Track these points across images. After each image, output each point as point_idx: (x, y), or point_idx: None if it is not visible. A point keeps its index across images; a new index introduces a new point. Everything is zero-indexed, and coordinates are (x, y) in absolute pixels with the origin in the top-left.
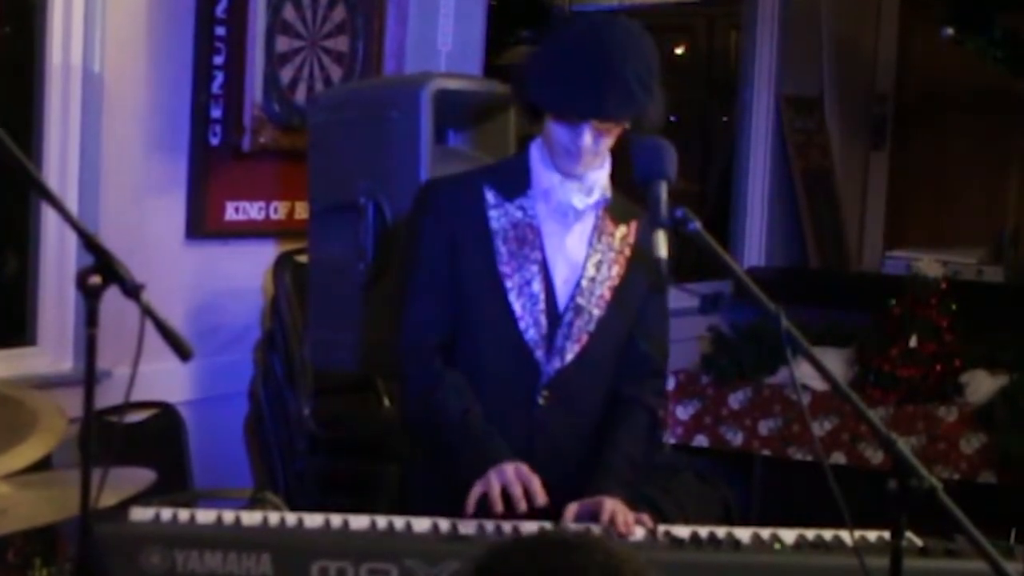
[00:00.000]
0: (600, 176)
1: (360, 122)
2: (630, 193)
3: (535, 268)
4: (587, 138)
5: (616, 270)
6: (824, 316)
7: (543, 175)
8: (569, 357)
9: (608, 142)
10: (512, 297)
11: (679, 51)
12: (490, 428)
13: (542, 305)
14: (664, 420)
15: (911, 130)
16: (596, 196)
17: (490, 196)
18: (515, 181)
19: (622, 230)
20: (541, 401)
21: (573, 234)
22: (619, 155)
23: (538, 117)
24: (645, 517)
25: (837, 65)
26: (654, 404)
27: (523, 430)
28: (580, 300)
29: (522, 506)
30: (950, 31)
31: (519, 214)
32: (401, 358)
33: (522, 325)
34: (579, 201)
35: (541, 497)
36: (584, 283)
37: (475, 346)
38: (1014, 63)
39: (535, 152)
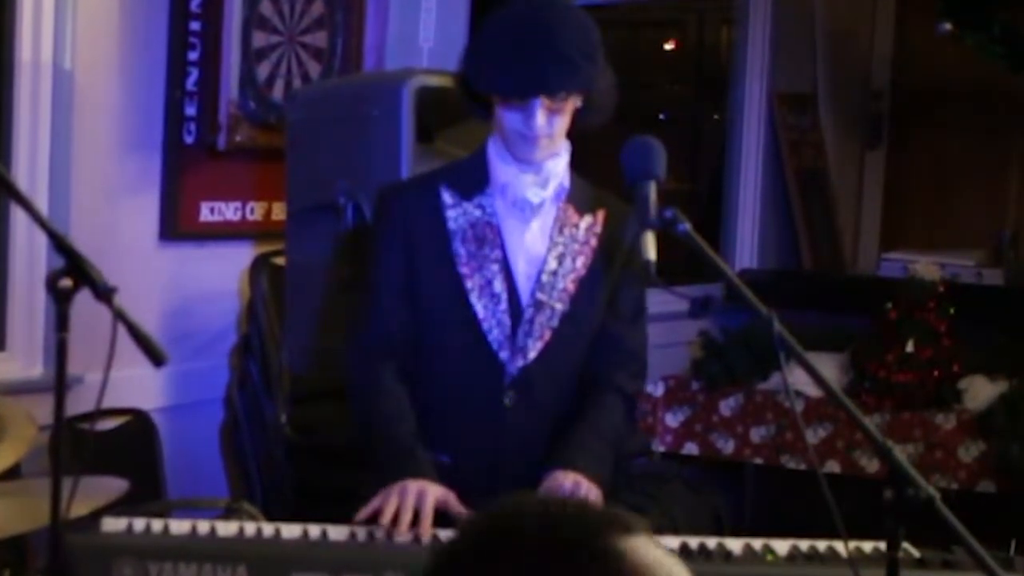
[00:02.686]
0: (557, 165)
1: (339, 120)
2: (619, 194)
3: (496, 267)
4: (539, 118)
5: (581, 261)
6: (818, 320)
7: (500, 169)
8: (532, 355)
9: (562, 122)
10: (473, 299)
11: (669, 47)
12: (416, 442)
13: (504, 305)
14: (646, 425)
15: (908, 128)
16: (552, 188)
17: (447, 196)
18: (473, 179)
19: (587, 220)
20: (507, 402)
21: (532, 229)
22: (584, 146)
23: (488, 110)
24: (595, 491)
25: (832, 61)
26: (628, 385)
27: (490, 432)
28: (541, 295)
29: (402, 527)
30: (948, 26)
31: (477, 212)
32: (349, 362)
33: (485, 327)
34: (534, 195)
35: (423, 527)
36: (544, 278)
37: (438, 350)
38: (1013, 59)
39: (492, 147)
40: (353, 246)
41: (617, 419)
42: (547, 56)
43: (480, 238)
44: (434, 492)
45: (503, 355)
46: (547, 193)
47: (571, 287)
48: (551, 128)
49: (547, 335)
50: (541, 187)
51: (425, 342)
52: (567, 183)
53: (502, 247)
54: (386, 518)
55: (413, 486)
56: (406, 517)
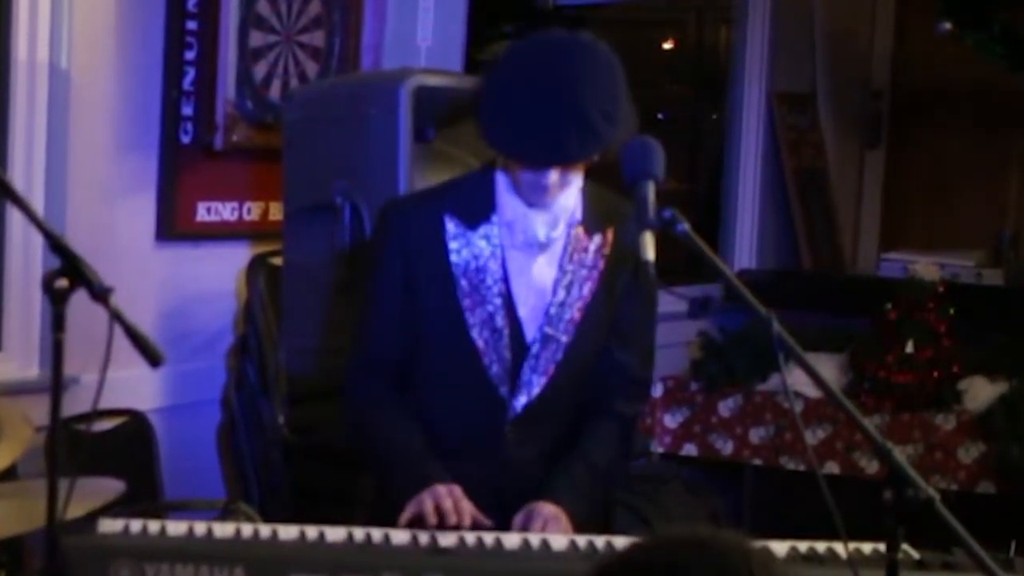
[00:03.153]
0: (568, 199)
1: (337, 120)
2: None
3: (499, 301)
4: (553, 177)
5: (588, 287)
6: (817, 320)
7: (507, 203)
8: (535, 391)
9: (577, 175)
10: (475, 333)
11: (668, 46)
12: (428, 450)
13: (506, 340)
14: (644, 426)
15: (907, 128)
16: (562, 226)
17: (451, 226)
18: (478, 207)
19: (596, 241)
20: (509, 435)
21: (540, 262)
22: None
23: None
24: (560, 526)
25: (831, 60)
26: (626, 411)
27: (490, 463)
28: (548, 330)
29: (452, 520)
30: (948, 25)
31: (482, 244)
32: (348, 381)
33: (486, 361)
34: (544, 234)
35: (468, 518)
36: (553, 311)
37: (438, 380)
38: (1013, 58)
39: (500, 179)
40: (351, 246)
41: (610, 449)
42: (567, 125)
43: (483, 271)
44: (459, 490)
45: (503, 390)
46: (557, 232)
47: (577, 316)
48: (564, 181)
49: (551, 370)
50: (551, 227)
51: (425, 371)
52: (579, 213)
53: (506, 280)
54: (432, 519)
55: (441, 488)
56: (448, 504)
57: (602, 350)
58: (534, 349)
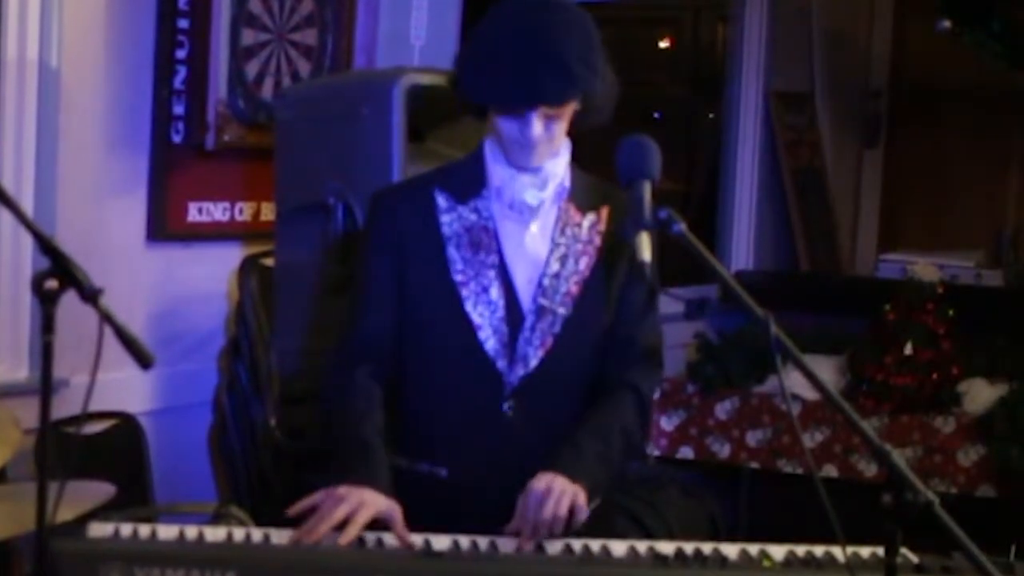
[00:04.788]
0: (556, 166)
1: (329, 119)
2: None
3: (492, 273)
4: (536, 127)
5: (584, 262)
6: (815, 322)
7: (496, 171)
8: (533, 363)
9: (561, 127)
10: (469, 307)
11: (664, 45)
12: (375, 442)
13: (502, 312)
14: (649, 418)
15: (906, 127)
16: (551, 190)
17: (441, 200)
18: (468, 181)
19: (590, 218)
20: (508, 411)
21: (532, 231)
22: (584, 144)
23: (483, 111)
24: (570, 495)
25: (829, 59)
26: (641, 382)
27: (491, 442)
28: (543, 301)
29: (312, 537)
30: (947, 24)
31: (473, 216)
32: (327, 364)
33: (481, 335)
34: (532, 197)
35: (346, 536)
36: (547, 281)
37: (435, 357)
38: (1013, 57)
39: (488, 149)
40: (343, 247)
41: (627, 416)
42: (543, 65)
43: (475, 243)
44: (374, 506)
45: (500, 364)
46: (546, 194)
47: (574, 290)
48: (549, 134)
49: (549, 342)
50: (539, 189)
51: (421, 349)
52: (567, 182)
53: (499, 252)
54: (314, 526)
55: (355, 495)
56: (322, 528)
57: (609, 332)
58: (529, 321)
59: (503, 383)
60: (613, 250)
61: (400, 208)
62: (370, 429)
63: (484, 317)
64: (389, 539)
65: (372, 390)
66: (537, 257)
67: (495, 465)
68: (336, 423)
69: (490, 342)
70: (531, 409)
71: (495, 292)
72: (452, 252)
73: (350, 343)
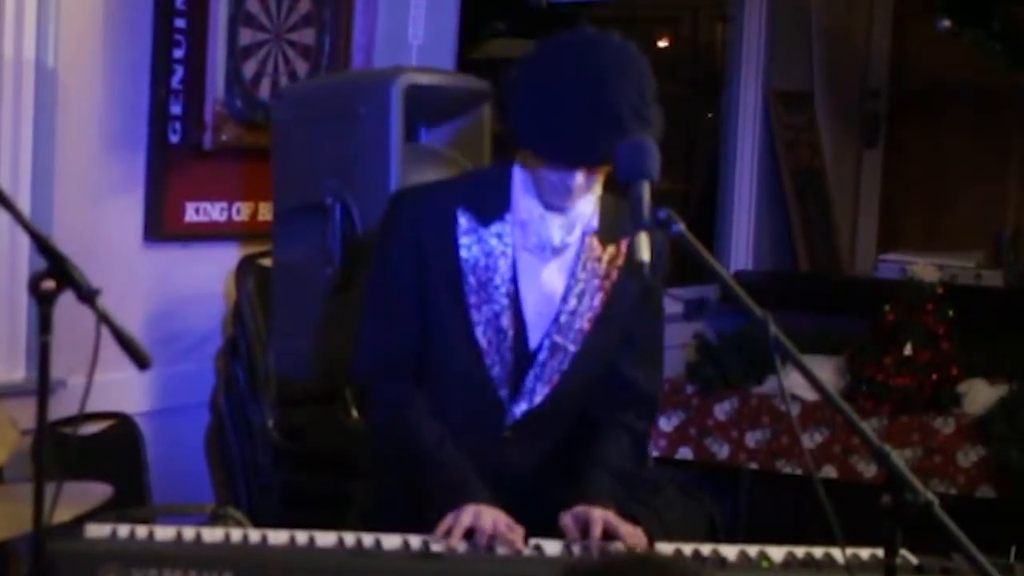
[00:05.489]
0: (586, 208)
1: (327, 119)
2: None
3: (505, 302)
4: (579, 179)
5: (599, 298)
6: (815, 322)
7: (523, 203)
8: (538, 399)
9: (602, 177)
10: (479, 332)
11: (662, 44)
12: (465, 462)
13: (510, 342)
14: (645, 460)
15: (906, 127)
16: (578, 232)
17: (463, 220)
18: (493, 204)
19: (610, 252)
20: (507, 434)
21: (551, 268)
22: None
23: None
24: (638, 530)
25: (828, 58)
26: (636, 425)
27: (489, 461)
28: (557, 338)
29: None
30: (947, 23)
31: (493, 242)
32: (366, 377)
33: (488, 361)
34: (559, 238)
35: (511, 544)
36: (563, 319)
37: (441, 373)
38: (1013, 56)
39: (518, 177)
40: (341, 247)
41: (626, 457)
42: (599, 125)
43: (492, 269)
44: (500, 516)
45: (503, 393)
46: (572, 238)
47: (586, 326)
48: (589, 184)
49: (555, 379)
50: (567, 232)
51: (428, 362)
52: (595, 221)
53: (514, 281)
54: (455, 539)
55: (486, 512)
56: (488, 527)
57: (611, 364)
58: (541, 357)
59: (505, 412)
60: (625, 280)
61: (422, 217)
62: (453, 452)
63: (492, 344)
64: (386, 541)
65: (428, 407)
66: (552, 292)
67: (496, 481)
68: (417, 447)
69: (495, 368)
70: (529, 439)
71: (505, 321)
72: (468, 275)
73: (383, 351)
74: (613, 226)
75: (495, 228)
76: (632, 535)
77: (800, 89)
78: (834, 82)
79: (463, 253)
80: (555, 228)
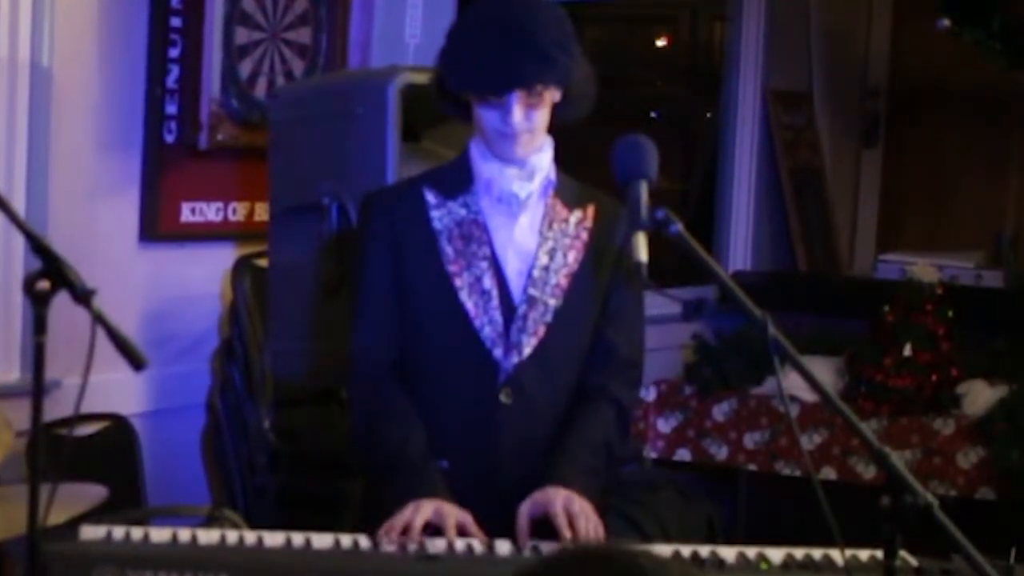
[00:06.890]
0: (541, 160)
1: (323, 118)
2: (611, 193)
3: (484, 264)
4: (517, 114)
5: (573, 256)
6: (813, 323)
7: (483, 167)
8: (527, 351)
9: (541, 116)
10: (464, 296)
11: (661, 43)
12: (427, 459)
13: (496, 302)
14: (637, 431)
15: (905, 127)
16: (538, 182)
17: (430, 197)
18: (456, 179)
19: (576, 215)
20: (503, 399)
21: (521, 224)
22: (575, 146)
23: (467, 111)
24: (595, 520)
25: (827, 58)
26: (621, 395)
27: (486, 434)
28: (533, 291)
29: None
30: (946, 22)
31: (462, 211)
32: (349, 380)
33: (477, 324)
34: (520, 188)
35: (451, 535)
36: (536, 273)
37: (431, 352)
38: (1013, 56)
39: (474, 148)
40: (338, 248)
41: (609, 429)
42: (521, 50)
43: (467, 236)
44: (453, 514)
45: (497, 353)
46: (533, 186)
47: (564, 282)
48: (530, 123)
49: (541, 331)
50: (527, 180)
51: (418, 346)
52: (553, 177)
53: (490, 244)
54: (395, 532)
55: (428, 506)
56: (398, 525)
57: (595, 335)
58: (521, 310)
59: (498, 371)
60: (600, 249)
61: (392, 208)
62: (417, 450)
63: (479, 307)
64: (383, 543)
65: (406, 408)
66: (527, 249)
67: (492, 456)
68: (382, 451)
69: (485, 330)
70: (525, 398)
71: (488, 282)
72: (444, 245)
73: (365, 353)
74: (574, 191)
75: (462, 199)
76: (587, 528)
77: (799, 89)
78: (833, 82)
79: (436, 225)
80: (515, 179)
